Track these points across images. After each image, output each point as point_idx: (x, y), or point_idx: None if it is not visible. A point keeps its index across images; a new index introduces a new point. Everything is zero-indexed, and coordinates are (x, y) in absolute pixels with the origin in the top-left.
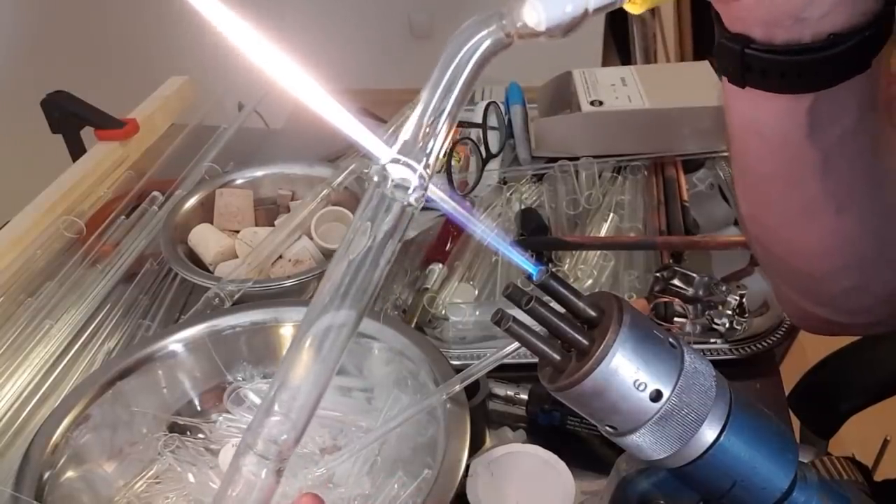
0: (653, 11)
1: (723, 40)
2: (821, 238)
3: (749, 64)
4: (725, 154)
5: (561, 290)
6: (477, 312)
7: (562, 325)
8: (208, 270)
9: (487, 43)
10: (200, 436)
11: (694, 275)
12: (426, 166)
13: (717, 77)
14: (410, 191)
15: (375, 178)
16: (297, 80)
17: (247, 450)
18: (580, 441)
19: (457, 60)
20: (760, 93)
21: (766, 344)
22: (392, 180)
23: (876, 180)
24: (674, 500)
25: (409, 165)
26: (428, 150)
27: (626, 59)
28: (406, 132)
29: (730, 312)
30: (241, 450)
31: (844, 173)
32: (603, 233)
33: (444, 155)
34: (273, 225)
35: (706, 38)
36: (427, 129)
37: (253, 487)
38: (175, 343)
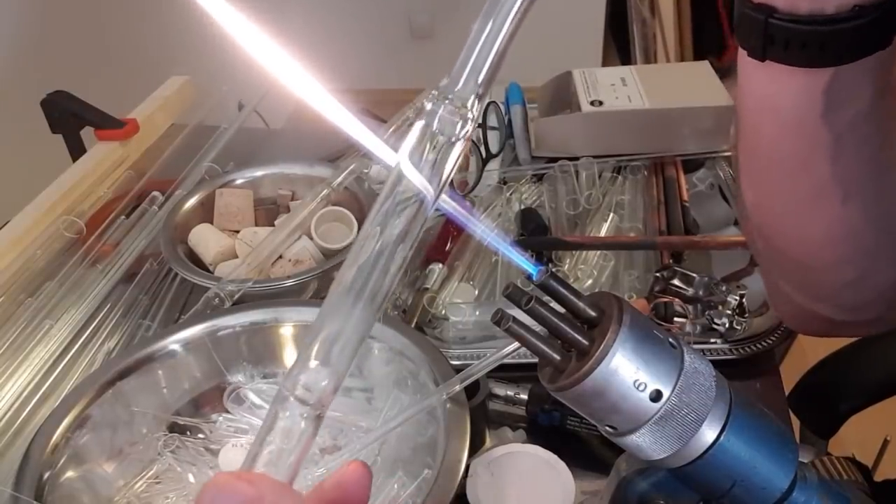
0: (653, 11)
1: (746, 10)
2: (825, 227)
3: (772, 35)
4: (726, 154)
5: (561, 290)
6: (477, 312)
7: (562, 325)
8: (208, 270)
9: None
10: (200, 436)
11: (694, 275)
12: (475, 102)
13: (717, 77)
14: (459, 128)
15: (429, 106)
16: (297, 79)
17: (285, 397)
18: (580, 441)
19: None
20: (779, 68)
21: (766, 344)
22: (440, 116)
23: (881, 169)
24: (674, 500)
25: (457, 103)
26: (477, 90)
27: (626, 59)
28: (458, 71)
29: (730, 312)
30: (279, 398)
31: (853, 159)
32: (603, 233)
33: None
34: (273, 225)
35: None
36: (475, 65)
37: (292, 435)
38: (175, 343)
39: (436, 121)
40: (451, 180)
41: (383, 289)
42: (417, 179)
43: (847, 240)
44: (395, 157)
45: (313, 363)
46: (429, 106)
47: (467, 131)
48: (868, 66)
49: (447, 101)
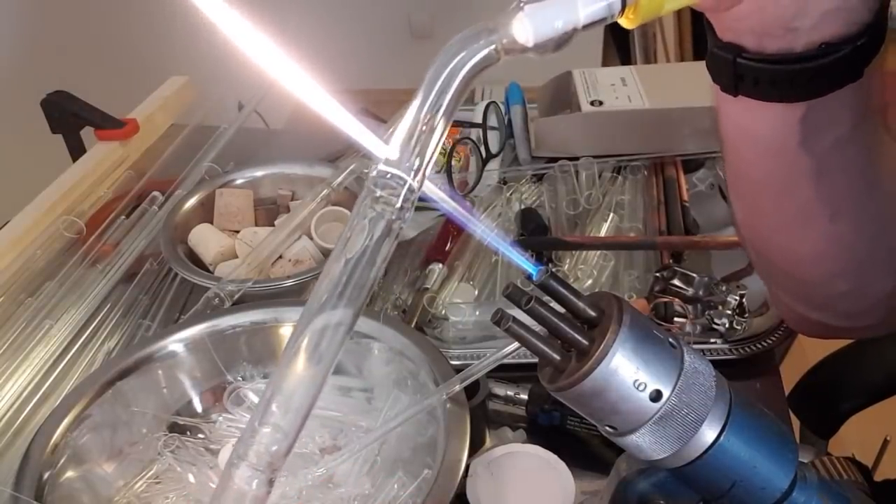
0: None
1: (715, 49)
2: (815, 244)
3: (741, 73)
4: None
5: (561, 290)
6: (477, 312)
7: (562, 325)
8: (208, 270)
9: (476, 59)
10: (200, 436)
11: (694, 275)
12: (413, 178)
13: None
14: (398, 205)
15: (368, 189)
16: (296, 80)
17: (238, 461)
18: (580, 441)
19: (445, 74)
20: (753, 101)
21: (766, 344)
22: (379, 195)
23: (870, 186)
24: (674, 500)
25: (396, 179)
26: (415, 165)
27: (626, 59)
28: (394, 146)
29: (730, 312)
30: (233, 461)
31: (838, 180)
32: (603, 233)
33: (434, 165)
34: (273, 225)
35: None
36: (415, 143)
37: (244, 498)
38: (175, 343)
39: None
40: (451, 180)
41: (332, 350)
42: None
43: (838, 255)
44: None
45: (265, 429)
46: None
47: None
48: (844, 95)
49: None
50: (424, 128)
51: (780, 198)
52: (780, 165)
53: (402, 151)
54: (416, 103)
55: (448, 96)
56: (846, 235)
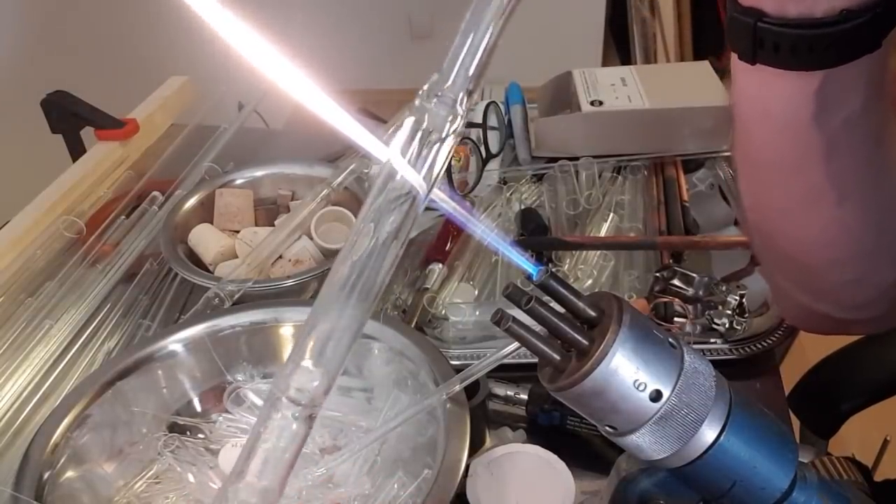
0: (653, 11)
1: (735, 14)
2: (822, 229)
3: (761, 38)
4: (726, 154)
5: (561, 290)
6: (477, 312)
7: (562, 325)
8: (208, 270)
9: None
10: (200, 436)
11: (694, 275)
12: (464, 98)
13: (717, 77)
14: (449, 124)
15: (418, 103)
16: (294, 81)
17: (277, 397)
18: (580, 441)
19: None
20: (770, 71)
21: (766, 344)
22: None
23: (878, 170)
24: (674, 500)
25: (447, 103)
26: (467, 86)
27: (626, 59)
28: (446, 71)
29: (730, 312)
30: (271, 398)
31: (848, 160)
32: (603, 233)
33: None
34: (273, 225)
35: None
36: (464, 62)
37: (285, 435)
38: (175, 343)
39: (426, 117)
40: (451, 180)
41: (376, 286)
42: (410, 175)
43: (845, 241)
44: (387, 152)
45: (306, 363)
46: (418, 102)
47: (457, 127)
48: (859, 69)
49: (437, 98)
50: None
51: (790, 179)
52: (791, 144)
53: (455, 73)
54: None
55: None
56: (853, 221)
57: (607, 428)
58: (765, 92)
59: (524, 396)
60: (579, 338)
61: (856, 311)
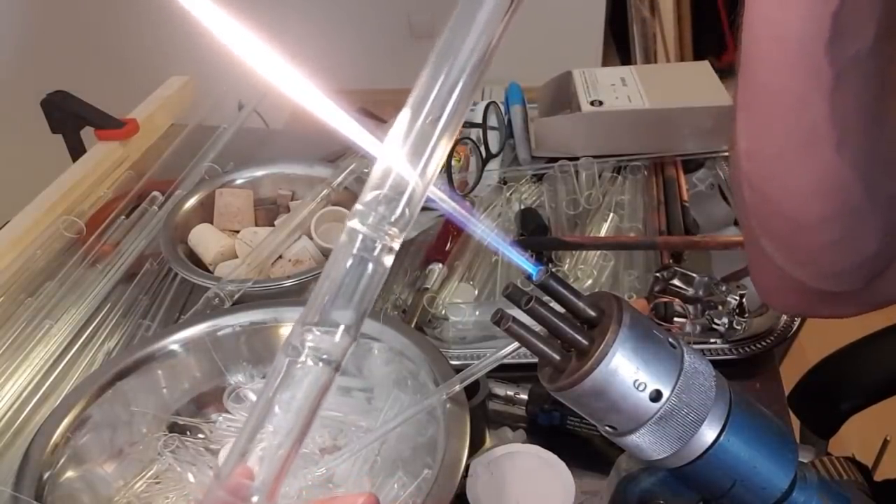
0: (653, 11)
1: None
2: (816, 176)
3: None
4: (725, 154)
5: (561, 290)
6: (477, 312)
7: (562, 325)
8: (208, 270)
9: None
10: (200, 436)
11: (694, 275)
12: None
13: (717, 77)
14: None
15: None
16: (295, 81)
17: (298, 347)
18: (580, 441)
19: None
20: None
21: (766, 344)
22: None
23: (877, 120)
24: (674, 500)
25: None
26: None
27: (626, 59)
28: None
29: (730, 312)
30: (295, 335)
31: (852, 98)
32: (603, 233)
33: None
34: (273, 225)
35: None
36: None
37: (306, 382)
38: (175, 343)
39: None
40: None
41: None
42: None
43: (836, 193)
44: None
45: (337, 314)
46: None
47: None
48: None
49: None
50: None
51: (793, 114)
52: (801, 73)
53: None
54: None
55: None
56: (848, 171)
57: (607, 428)
58: (780, 14)
59: (524, 396)
60: (579, 338)
61: (831, 281)
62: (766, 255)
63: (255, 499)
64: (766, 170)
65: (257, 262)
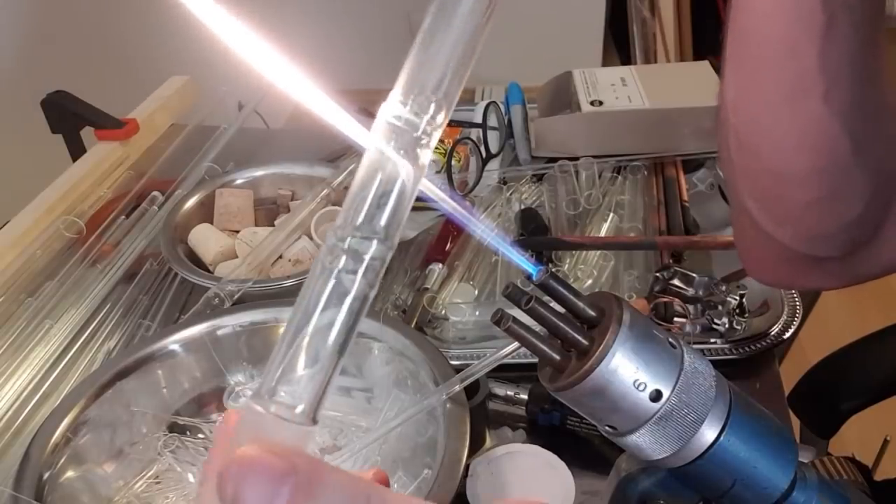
0: (653, 11)
1: None
2: (802, 128)
3: None
4: None
5: (561, 290)
6: (477, 312)
7: (562, 325)
8: (208, 270)
9: None
10: (200, 436)
11: (694, 275)
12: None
13: (717, 77)
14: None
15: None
16: (295, 81)
17: (336, 246)
18: (580, 441)
19: None
20: None
21: (765, 344)
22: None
23: (865, 73)
24: (674, 500)
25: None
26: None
27: (626, 59)
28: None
29: (730, 312)
30: (331, 247)
31: (842, 47)
32: (603, 233)
33: (433, 165)
34: (273, 225)
35: (706, 38)
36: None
37: (345, 296)
38: (175, 343)
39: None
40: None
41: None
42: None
43: (823, 146)
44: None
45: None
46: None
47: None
48: None
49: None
50: None
51: (783, 63)
52: (792, 19)
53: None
54: None
55: None
56: (835, 124)
57: (607, 428)
58: None
59: (524, 396)
60: (579, 338)
61: (815, 245)
62: (752, 226)
63: (299, 408)
64: (753, 122)
65: (257, 262)
